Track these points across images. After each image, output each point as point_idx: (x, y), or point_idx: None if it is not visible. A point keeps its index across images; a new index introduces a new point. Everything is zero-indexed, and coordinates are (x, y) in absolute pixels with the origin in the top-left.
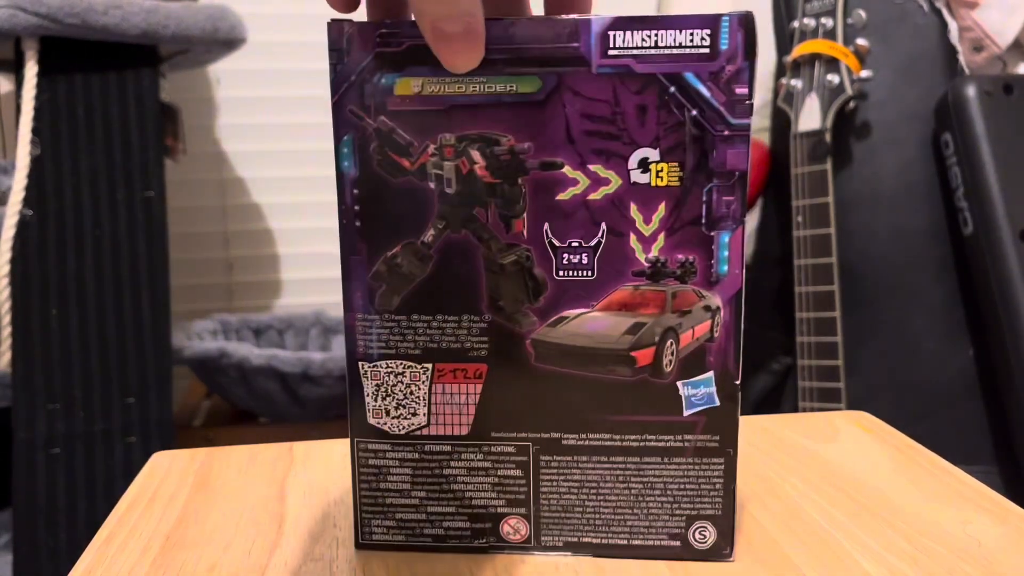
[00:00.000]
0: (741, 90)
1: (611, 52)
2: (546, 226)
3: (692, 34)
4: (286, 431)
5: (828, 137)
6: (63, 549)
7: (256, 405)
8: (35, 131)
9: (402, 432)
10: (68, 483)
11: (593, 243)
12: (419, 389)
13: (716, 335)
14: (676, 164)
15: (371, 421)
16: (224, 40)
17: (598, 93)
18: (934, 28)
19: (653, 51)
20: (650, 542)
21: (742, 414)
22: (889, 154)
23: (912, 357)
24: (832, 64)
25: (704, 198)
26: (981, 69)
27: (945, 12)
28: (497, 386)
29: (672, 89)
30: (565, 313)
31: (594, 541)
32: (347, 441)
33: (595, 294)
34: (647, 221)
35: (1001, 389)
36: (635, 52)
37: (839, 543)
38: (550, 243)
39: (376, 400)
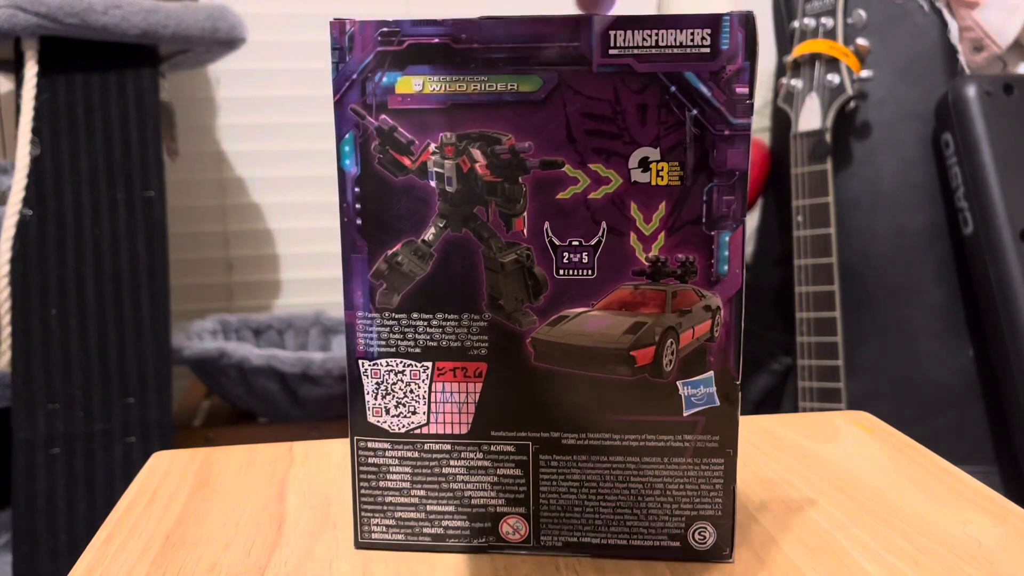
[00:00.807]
0: (742, 90)
1: (612, 51)
2: (546, 225)
3: (693, 34)
4: (286, 431)
5: (828, 137)
6: (63, 549)
7: (256, 405)
8: (35, 131)
9: (402, 431)
10: (68, 483)
11: (593, 242)
12: (419, 388)
13: (716, 335)
14: (677, 163)
15: (371, 419)
16: (224, 40)
17: (599, 92)
18: (934, 28)
19: (654, 51)
20: (649, 542)
21: (742, 414)
22: (889, 154)
23: (912, 357)
24: (832, 64)
25: (704, 198)
26: (981, 69)
27: (945, 12)
28: (497, 385)
29: (673, 88)
30: (565, 312)
31: (593, 541)
32: (347, 441)
33: (595, 293)
34: (647, 220)
35: (1001, 389)
36: (636, 51)
37: (839, 543)
38: (550, 242)
39: (376, 398)
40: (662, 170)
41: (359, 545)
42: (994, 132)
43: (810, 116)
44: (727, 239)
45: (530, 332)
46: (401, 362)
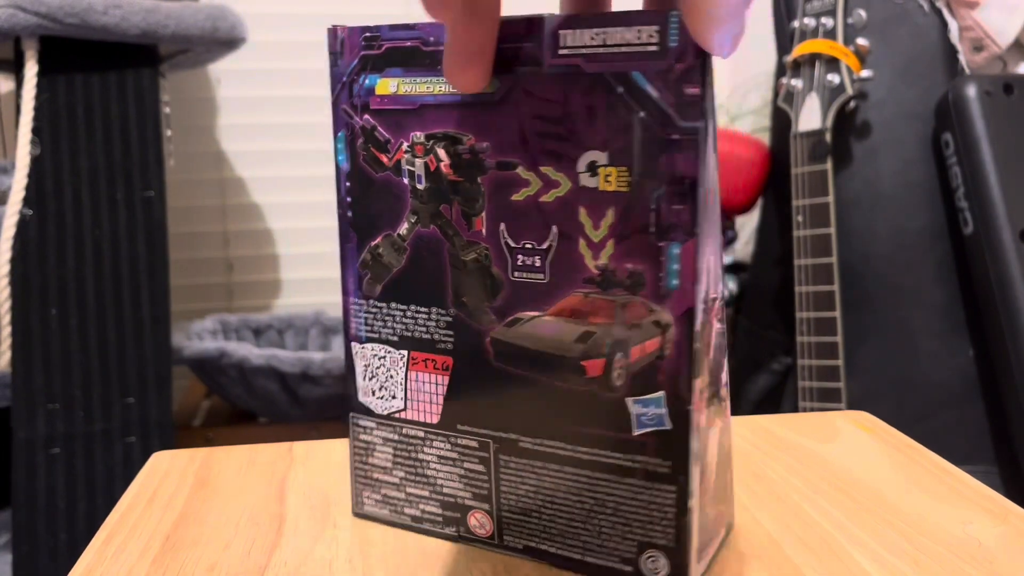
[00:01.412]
0: (692, 90)
1: (561, 52)
2: (502, 226)
3: (640, 31)
4: (286, 431)
5: (828, 137)
6: (63, 549)
7: (256, 405)
8: (35, 131)
9: (384, 413)
10: (68, 483)
11: (545, 246)
12: (397, 374)
13: (667, 353)
14: (625, 168)
15: (360, 399)
16: (224, 40)
17: (549, 93)
18: (934, 28)
19: (601, 50)
20: (603, 562)
21: (743, 414)
22: (889, 154)
23: (912, 357)
24: (832, 64)
25: (653, 205)
26: (981, 69)
27: (945, 12)
28: (461, 380)
29: (620, 90)
30: (520, 315)
31: (550, 550)
32: (347, 441)
33: (547, 298)
34: (596, 227)
35: (1001, 389)
36: (585, 51)
37: (839, 543)
38: (506, 243)
39: (364, 380)
40: (610, 175)
41: (355, 514)
42: (994, 132)
43: (810, 116)
44: (677, 251)
45: (489, 331)
46: (383, 348)
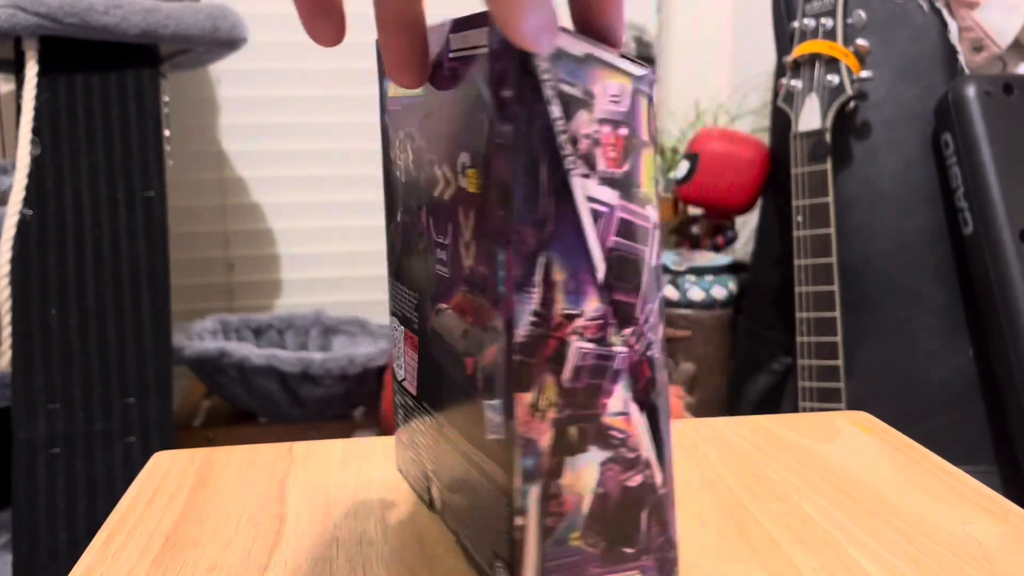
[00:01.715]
0: (506, 92)
1: (451, 55)
2: (430, 220)
3: (481, 33)
4: (286, 431)
5: (828, 137)
6: (63, 549)
7: (256, 405)
8: (35, 131)
9: (400, 379)
10: (68, 483)
11: (447, 242)
12: (402, 347)
13: (500, 360)
14: (477, 170)
15: (393, 364)
16: (224, 40)
17: (444, 96)
18: (934, 28)
19: (468, 52)
20: (480, 561)
21: (742, 414)
22: (889, 154)
23: (912, 357)
24: (832, 64)
25: (489, 210)
26: (981, 69)
27: (945, 12)
28: (423, 359)
29: (472, 92)
30: (441, 305)
31: (461, 538)
32: (347, 441)
33: (449, 293)
34: (467, 227)
35: (1001, 389)
36: (462, 54)
37: (839, 543)
38: (431, 236)
39: (394, 347)
40: (471, 177)
41: (399, 469)
42: (994, 132)
43: (810, 116)
44: (502, 258)
45: (429, 316)
46: (396, 321)
